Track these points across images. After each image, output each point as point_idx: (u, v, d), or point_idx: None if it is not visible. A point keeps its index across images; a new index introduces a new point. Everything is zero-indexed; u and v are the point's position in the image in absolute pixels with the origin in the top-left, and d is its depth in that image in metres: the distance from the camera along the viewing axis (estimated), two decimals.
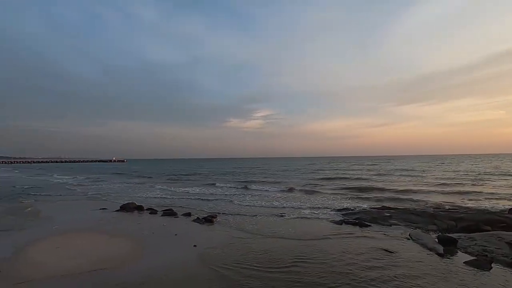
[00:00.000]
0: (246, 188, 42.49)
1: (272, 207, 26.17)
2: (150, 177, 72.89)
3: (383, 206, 25.25)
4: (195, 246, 14.92)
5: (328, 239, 15.57)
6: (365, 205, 26.69)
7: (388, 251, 13.41)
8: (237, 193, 36.57)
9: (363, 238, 15.85)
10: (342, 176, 61.34)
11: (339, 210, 24.48)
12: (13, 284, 10.49)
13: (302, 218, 21.58)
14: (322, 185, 45.00)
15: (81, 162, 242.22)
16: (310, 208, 25.51)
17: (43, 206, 28.45)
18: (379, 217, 20.42)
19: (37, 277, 11.12)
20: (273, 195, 34.03)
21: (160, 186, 47.91)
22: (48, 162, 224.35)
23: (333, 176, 60.64)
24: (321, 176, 61.71)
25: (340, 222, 19.71)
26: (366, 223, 19.10)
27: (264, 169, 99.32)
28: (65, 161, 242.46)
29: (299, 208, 25.58)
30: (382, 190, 37.33)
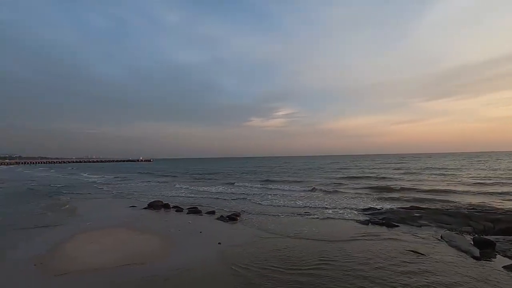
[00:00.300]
0: (268, 187, 42.56)
1: (295, 207, 25.88)
2: (174, 176, 75.11)
3: (412, 206, 24.18)
4: (219, 243, 15.17)
5: (354, 241, 15.11)
6: (392, 205, 25.73)
7: (419, 254, 12.81)
8: (259, 192, 36.51)
9: (391, 240, 15.23)
10: (367, 175, 59.31)
11: (364, 210, 23.76)
12: (54, 275, 11.26)
13: (326, 218, 21.12)
14: (345, 184, 43.94)
15: (111, 162, 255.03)
16: (334, 208, 24.98)
17: (78, 203, 30.25)
18: (407, 217, 19.58)
19: (74, 270, 11.85)
20: (296, 195, 33.73)
21: (184, 185, 49.20)
22: (81, 162, 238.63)
23: (357, 175, 58.91)
24: (345, 175, 60.23)
25: (366, 222, 19.15)
26: (394, 223, 18.40)
27: (285, 168, 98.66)
28: (96, 161, 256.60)
29: (323, 208, 25.10)
30: (410, 190, 35.66)
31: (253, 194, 34.92)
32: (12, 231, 18.38)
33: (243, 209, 24.88)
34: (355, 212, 23.21)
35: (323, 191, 36.17)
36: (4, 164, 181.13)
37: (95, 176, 76.04)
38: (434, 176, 53.51)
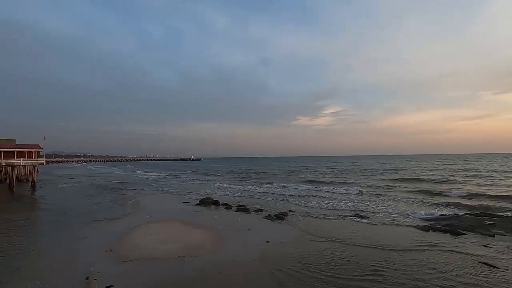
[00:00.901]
0: (314, 188, 41.73)
1: (343, 210, 24.82)
2: (222, 175, 78.08)
3: (482, 212, 21.46)
4: (268, 242, 15.36)
5: (413, 250, 13.85)
6: (456, 211, 23.13)
7: (492, 267, 11.31)
8: (306, 193, 35.85)
9: (457, 249, 13.70)
10: (425, 177, 54.15)
11: (424, 215, 21.77)
12: (122, 261, 12.62)
13: (379, 224, 19.75)
14: (399, 187, 40.84)
15: (166, 160, 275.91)
16: (387, 212, 23.39)
17: (137, 198, 33.41)
18: (477, 224, 17.42)
19: (137, 257, 13.08)
20: (344, 197, 32.38)
21: (231, 184, 50.92)
22: (140, 160, 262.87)
23: (413, 177, 54.15)
24: (399, 177, 55.90)
25: (426, 229, 17.54)
26: (460, 231, 16.52)
27: (333, 168, 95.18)
28: (153, 160, 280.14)
29: (374, 212, 23.69)
30: (479, 195, 31.61)
31: (300, 195, 34.52)
32: (87, 222, 21.06)
33: (290, 209, 24.77)
34: (412, 217, 21.42)
35: (374, 194, 34.15)
36: (79, 162, 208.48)
37: (149, 174, 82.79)
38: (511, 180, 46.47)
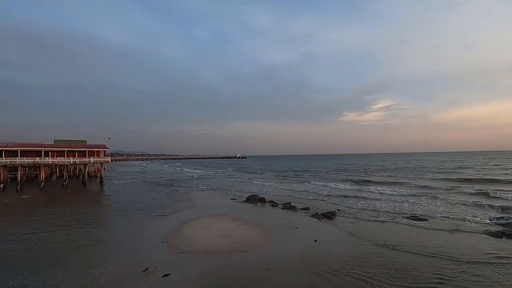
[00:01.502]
0: (363, 187, 39.51)
1: (396, 212, 22.84)
2: (266, 172, 78.62)
3: None
4: (315, 241, 15.12)
5: (487, 260, 12.20)
6: None
7: None
8: (354, 194, 33.97)
9: None
10: (493, 177, 46.97)
11: (494, 219, 19.22)
12: (177, 252, 13.60)
13: (440, 229, 17.71)
14: (461, 187, 36.22)
15: (213, 158, 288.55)
16: (448, 215, 21.08)
17: (187, 195, 35.56)
18: None
19: (191, 249, 13.96)
20: (395, 198, 29.98)
21: (276, 181, 51.07)
22: (190, 158, 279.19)
23: (478, 177, 47.38)
24: (461, 176, 49.68)
25: (499, 235, 15.46)
26: None
27: (384, 167, 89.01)
28: (202, 157, 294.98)
29: (434, 215, 21.44)
30: None
31: (347, 195, 32.80)
32: (146, 215, 23.09)
33: (338, 209, 23.96)
34: (480, 221, 18.99)
35: (430, 195, 30.49)
36: (137, 160, 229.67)
37: (195, 171, 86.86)
38: None
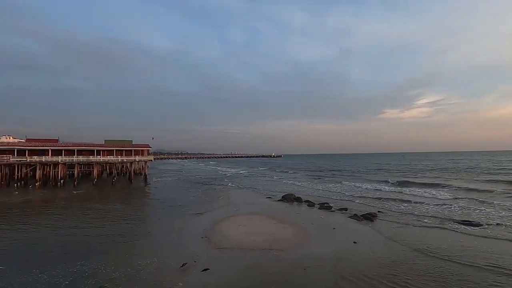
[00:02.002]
0: (405, 188, 36.80)
1: (444, 217, 20.70)
2: (301, 171, 77.49)
3: None
4: (355, 242, 14.58)
5: None
6: None
7: None
8: (395, 196, 31.41)
9: None
10: None
11: None
12: (215, 248, 14.04)
13: (500, 237, 15.72)
14: None
15: (248, 157, 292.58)
16: (509, 223, 18.86)
17: (224, 192, 36.46)
18: None
19: (229, 246, 14.31)
20: (442, 201, 27.44)
21: (310, 180, 50.13)
22: (225, 157, 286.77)
23: None
24: None
25: None
26: None
27: (428, 166, 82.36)
28: (236, 156, 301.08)
29: (490, 221, 19.25)
30: None
31: (387, 197, 30.74)
32: (186, 211, 24.17)
33: (379, 210, 22.81)
34: None
35: (480, 199, 27.06)
36: (176, 158, 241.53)
37: (229, 170, 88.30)
38: None
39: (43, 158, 43.04)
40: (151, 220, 21.57)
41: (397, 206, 24.90)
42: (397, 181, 45.03)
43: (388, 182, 45.16)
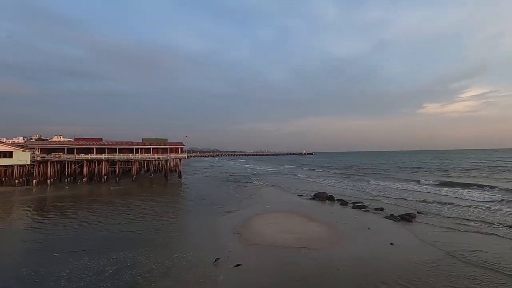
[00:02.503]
0: (446, 188, 34.00)
1: (493, 222, 18.68)
2: (331, 169, 75.44)
3: None
4: (392, 244, 13.90)
5: None
6: None
7: None
8: (434, 197, 29.60)
9: None
10: None
11: None
12: (247, 244, 14.22)
13: None
14: None
15: (278, 155, 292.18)
16: None
17: (254, 189, 36.74)
18: None
19: (261, 243, 14.40)
20: (492, 204, 24.94)
21: (343, 178, 48.61)
22: (256, 155, 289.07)
23: None
24: None
25: None
26: None
27: (476, 164, 75.33)
28: (267, 154, 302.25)
29: None
30: None
31: (427, 198, 28.58)
32: (219, 207, 24.77)
33: (418, 211, 21.44)
34: None
35: None
36: (208, 156, 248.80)
37: (257, 167, 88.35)
38: None
39: (89, 156, 46.76)
40: (185, 215, 22.44)
41: (438, 208, 23.10)
42: (438, 181, 41.78)
43: (427, 181, 42.13)
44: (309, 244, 13.97)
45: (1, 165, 40.45)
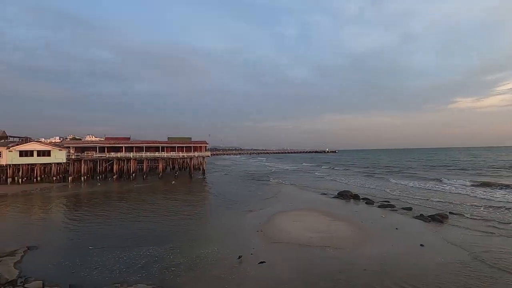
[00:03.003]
0: (481, 189, 31.86)
1: None
2: (354, 167, 73.36)
3: None
4: (422, 245, 13.29)
5: None
6: None
7: None
8: (468, 198, 27.42)
9: None
10: None
11: None
12: (271, 242, 14.23)
13: None
14: None
15: (301, 152, 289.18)
16: None
17: (276, 187, 36.64)
18: None
19: (284, 240, 14.35)
20: None
21: (368, 176, 47.10)
22: (277, 153, 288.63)
23: None
24: None
25: None
26: None
27: (510, 163, 69.69)
28: (288, 152, 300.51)
29: None
30: None
31: (461, 198, 27.00)
32: (242, 205, 25.01)
33: (450, 211, 20.29)
34: None
35: None
36: (230, 154, 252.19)
37: (277, 166, 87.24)
38: None
39: (118, 154, 49.14)
40: (210, 213, 22.87)
41: (472, 209, 21.63)
42: (472, 180, 38.73)
43: (460, 180, 39.30)
44: (334, 243, 13.72)
45: (41, 163, 43.50)
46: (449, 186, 34.80)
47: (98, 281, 10.01)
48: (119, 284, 9.65)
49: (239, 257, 11.98)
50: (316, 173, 58.70)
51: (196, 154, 56.04)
